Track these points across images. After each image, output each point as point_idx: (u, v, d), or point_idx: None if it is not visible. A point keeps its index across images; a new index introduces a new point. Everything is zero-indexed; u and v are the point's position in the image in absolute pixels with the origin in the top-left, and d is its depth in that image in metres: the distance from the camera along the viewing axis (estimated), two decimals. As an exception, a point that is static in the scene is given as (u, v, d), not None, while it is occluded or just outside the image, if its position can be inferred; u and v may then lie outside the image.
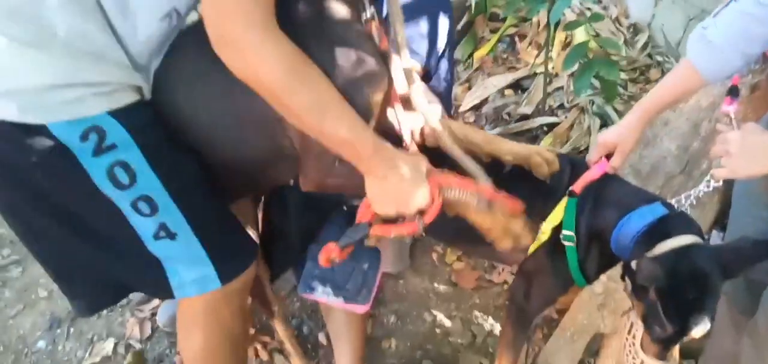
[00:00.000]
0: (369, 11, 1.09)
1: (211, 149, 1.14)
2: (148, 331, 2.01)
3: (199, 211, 1.12)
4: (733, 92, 1.26)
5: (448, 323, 2.02)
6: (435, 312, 2.06)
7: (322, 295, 1.42)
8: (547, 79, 2.72)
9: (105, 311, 2.08)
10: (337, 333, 1.71)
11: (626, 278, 1.22)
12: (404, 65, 1.17)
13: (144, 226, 1.08)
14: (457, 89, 3.07)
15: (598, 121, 2.59)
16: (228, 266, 1.19)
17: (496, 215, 1.13)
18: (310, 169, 1.14)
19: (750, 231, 1.41)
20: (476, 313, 2.06)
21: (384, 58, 1.11)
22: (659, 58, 2.93)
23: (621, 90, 2.72)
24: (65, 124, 0.95)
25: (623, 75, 2.84)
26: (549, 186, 1.33)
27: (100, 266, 1.15)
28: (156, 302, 2.06)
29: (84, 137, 0.97)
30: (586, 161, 1.39)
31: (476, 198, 1.11)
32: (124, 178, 1.02)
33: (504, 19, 3.16)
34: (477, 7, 2.88)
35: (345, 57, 1.03)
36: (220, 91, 1.08)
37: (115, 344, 1.98)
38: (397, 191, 1.03)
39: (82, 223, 1.06)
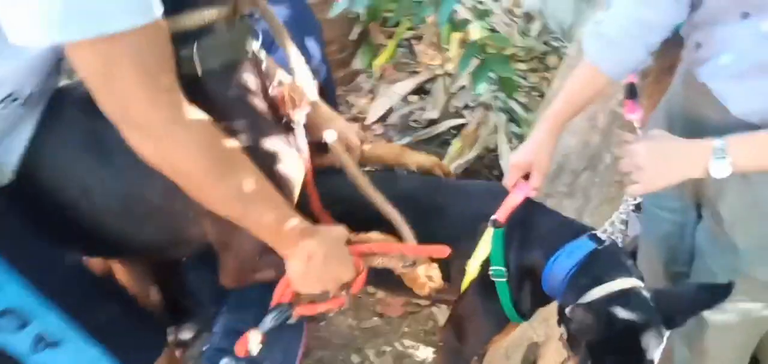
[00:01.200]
0: (277, 79, 1.03)
1: (98, 232, 1.00)
2: None
3: (85, 307, 0.95)
4: (631, 93, 1.20)
5: (378, 361, 1.89)
6: (364, 351, 1.92)
7: None
8: (447, 81, 2.66)
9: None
10: None
11: (562, 325, 1.13)
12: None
13: (15, 342, 0.89)
14: (362, 101, 2.94)
15: (504, 117, 2.54)
16: (134, 359, 1.03)
17: (418, 268, 1.14)
18: (231, 268, 1.08)
19: (662, 226, 1.37)
20: (407, 343, 1.94)
21: (290, 128, 1.07)
22: (555, 44, 2.94)
23: (522, 81, 2.69)
24: None
25: (522, 65, 2.83)
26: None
27: None
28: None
29: None
30: (503, 185, 1.30)
31: (401, 261, 1.12)
32: None
33: (398, 24, 3.07)
34: (369, 14, 2.77)
35: (264, 145, 0.99)
36: (112, 180, 0.97)
37: None
38: (322, 271, 1.01)
39: None
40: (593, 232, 1.18)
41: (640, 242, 1.50)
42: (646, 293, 1.06)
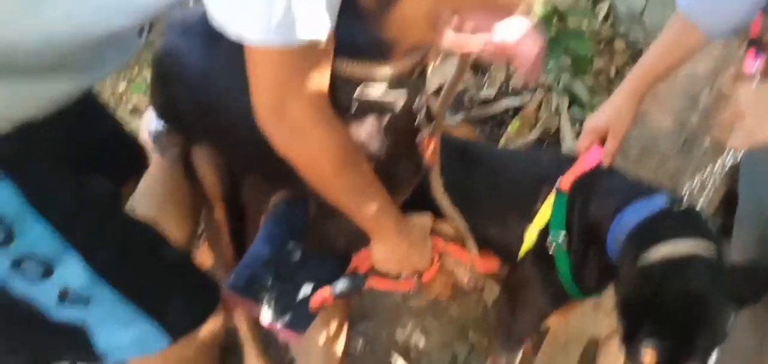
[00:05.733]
0: (428, 129, 1.04)
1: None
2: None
3: (121, 263, 0.85)
4: (756, 45, 1.05)
5: (423, 342, 1.78)
6: (408, 331, 1.81)
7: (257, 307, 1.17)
8: (509, 58, 2.52)
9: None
10: (307, 358, 1.45)
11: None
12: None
13: (39, 293, 0.80)
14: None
15: (566, 100, 2.40)
16: (177, 320, 0.93)
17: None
18: (316, 238, 1.15)
19: (758, 187, 1.21)
20: (456, 327, 1.82)
21: (420, 167, 1.10)
22: (623, 29, 2.76)
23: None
24: None
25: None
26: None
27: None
28: None
29: None
30: (575, 150, 1.19)
31: (467, 274, 1.21)
32: None
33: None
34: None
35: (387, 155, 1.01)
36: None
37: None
38: (404, 257, 1.09)
39: None
40: (673, 193, 1.05)
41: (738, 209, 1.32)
42: (712, 264, 0.91)
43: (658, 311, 0.88)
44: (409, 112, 0.98)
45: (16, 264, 0.75)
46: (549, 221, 1.10)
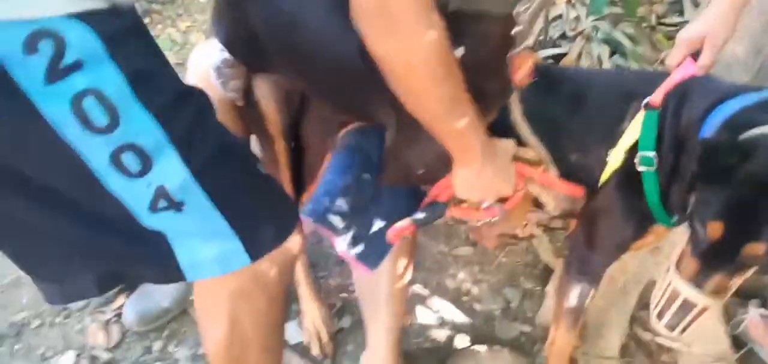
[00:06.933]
0: (523, 46, 1.09)
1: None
2: (115, 336, 1.65)
3: (216, 168, 0.79)
4: None
5: (474, 289, 1.75)
6: (458, 279, 1.78)
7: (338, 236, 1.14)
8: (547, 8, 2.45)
9: (59, 317, 1.70)
10: (372, 297, 1.35)
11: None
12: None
13: (132, 192, 0.73)
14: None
15: (607, 49, 2.34)
16: (259, 238, 0.87)
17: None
18: (391, 173, 1.11)
19: None
20: (505, 274, 1.79)
21: (508, 88, 1.08)
22: (662, -23, 2.69)
23: (628, 12, 2.47)
24: None
25: (627, -4, 2.60)
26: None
27: (72, 242, 0.78)
28: (121, 300, 1.70)
29: (30, 47, 0.60)
30: (667, 65, 1.13)
31: (554, 200, 1.15)
32: (99, 118, 0.66)
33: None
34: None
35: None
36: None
37: (77, 356, 1.61)
38: (488, 183, 1.03)
39: (34, 183, 0.70)
40: None
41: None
42: None
43: (739, 181, 0.83)
44: (505, 22, 0.93)
45: (117, 155, 0.69)
46: (637, 140, 1.04)
